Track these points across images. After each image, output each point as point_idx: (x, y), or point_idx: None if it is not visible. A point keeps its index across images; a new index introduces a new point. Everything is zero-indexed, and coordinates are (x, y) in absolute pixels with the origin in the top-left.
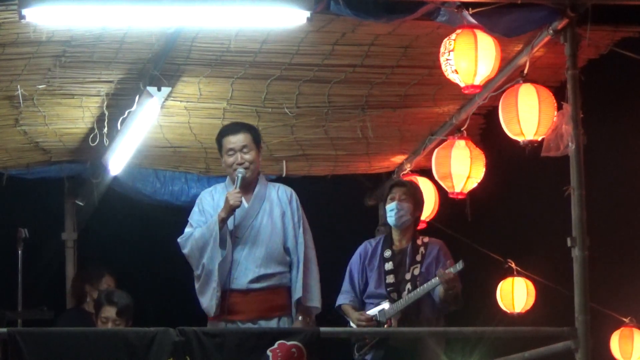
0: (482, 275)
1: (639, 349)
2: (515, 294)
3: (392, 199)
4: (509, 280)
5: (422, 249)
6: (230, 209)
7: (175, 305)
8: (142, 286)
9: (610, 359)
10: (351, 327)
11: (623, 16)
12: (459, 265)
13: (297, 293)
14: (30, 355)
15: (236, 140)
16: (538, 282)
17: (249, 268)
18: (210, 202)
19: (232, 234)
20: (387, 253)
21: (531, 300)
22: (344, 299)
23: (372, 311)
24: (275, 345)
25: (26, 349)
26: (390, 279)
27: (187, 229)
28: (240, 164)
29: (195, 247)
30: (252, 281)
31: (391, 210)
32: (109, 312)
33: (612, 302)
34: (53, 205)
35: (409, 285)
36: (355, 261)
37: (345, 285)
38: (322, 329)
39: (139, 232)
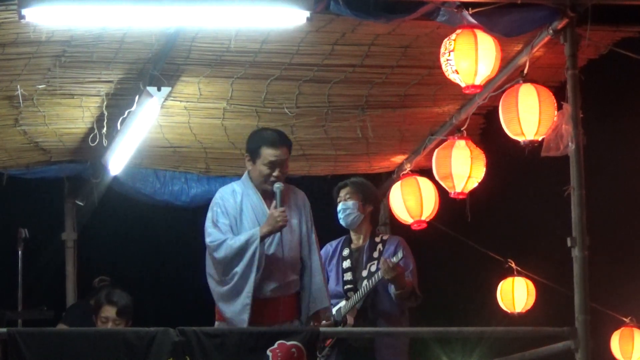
0: (482, 275)
1: (639, 349)
2: (516, 293)
3: (339, 202)
4: (509, 280)
5: (379, 246)
6: (279, 229)
7: (175, 305)
8: (142, 286)
9: (611, 359)
10: None
11: (623, 16)
12: (400, 254)
13: (323, 303)
14: (30, 355)
15: (279, 154)
16: (538, 282)
17: (273, 276)
18: (233, 204)
19: None
20: (345, 252)
21: (531, 300)
22: None
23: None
24: (275, 345)
25: (26, 349)
26: (347, 276)
27: (215, 232)
28: (277, 178)
29: (230, 255)
30: (275, 290)
31: (338, 212)
32: (109, 312)
33: (612, 302)
34: (53, 205)
35: (365, 282)
36: None
37: None
38: (322, 329)
39: (139, 232)
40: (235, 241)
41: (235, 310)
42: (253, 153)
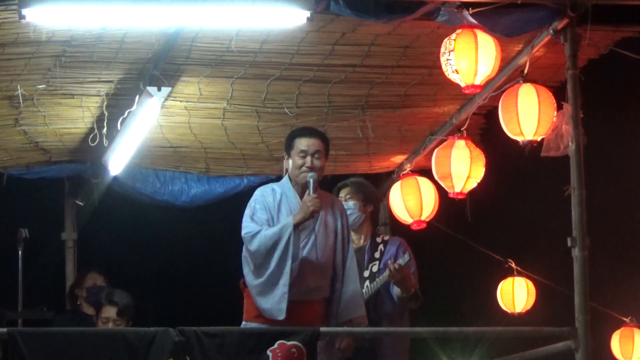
0: (482, 275)
1: (639, 349)
2: (516, 294)
3: None
4: (509, 280)
5: (381, 247)
6: (311, 215)
7: (175, 305)
8: (142, 286)
9: (611, 359)
10: None
11: (623, 16)
12: (407, 257)
13: (357, 311)
14: (30, 355)
15: (311, 143)
16: (538, 282)
17: (302, 279)
18: (272, 202)
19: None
20: None
21: (531, 300)
22: None
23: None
24: (275, 345)
25: (26, 349)
26: None
27: (251, 224)
28: (310, 168)
29: (263, 246)
30: (306, 293)
31: None
32: (110, 312)
33: (612, 302)
34: (53, 205)
35: (367, 283)
36: None
37: None
38: (322, 328)
39: (139, 232)
40: (269, 231)
41: (274, 300)
42: (288, 147)
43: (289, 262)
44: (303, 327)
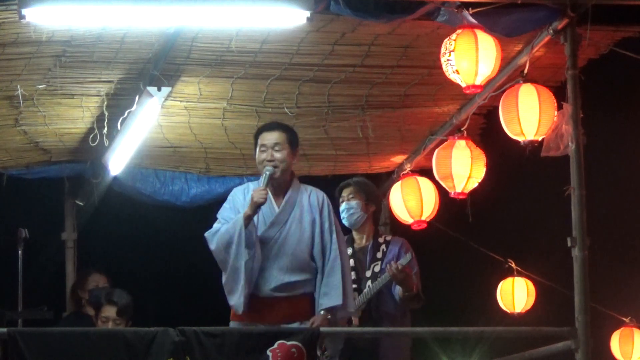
0: (482, 275)
1: (639, 349)
2: (516, 294)
3: (342, 202)
4: (509, 280)
5: (383, 247)
6: (255, 207)
7: (175, 305)
8: (142, 286)
9: (611, 359)
10: None
11: (623, 16)
12: (409, 257)
13: (333, 300)
14: (30, 355)
15: (270, 137)
16: (538, 282)
17: (273, 275)
18: (242, 200)
19: (260, 239)
20: (348, 251)
21: (531, 300)
22: None
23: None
24: (275, 345)
25: (26, 349)
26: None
27: (216, 225)
28: (270, 161)
29: (220, 243)
30: (276, 289)
31: (342, 212)
32: (109, 311)
33: (612, 302)
34: (53, 205)
35: (369, 283)
36: None
37: None
38: (322, 328)
39: (139, 232)
40: (223, 227)
41: (237, 295)
42: (254, 145)
43: (243, 254)
44: (303, 327)
